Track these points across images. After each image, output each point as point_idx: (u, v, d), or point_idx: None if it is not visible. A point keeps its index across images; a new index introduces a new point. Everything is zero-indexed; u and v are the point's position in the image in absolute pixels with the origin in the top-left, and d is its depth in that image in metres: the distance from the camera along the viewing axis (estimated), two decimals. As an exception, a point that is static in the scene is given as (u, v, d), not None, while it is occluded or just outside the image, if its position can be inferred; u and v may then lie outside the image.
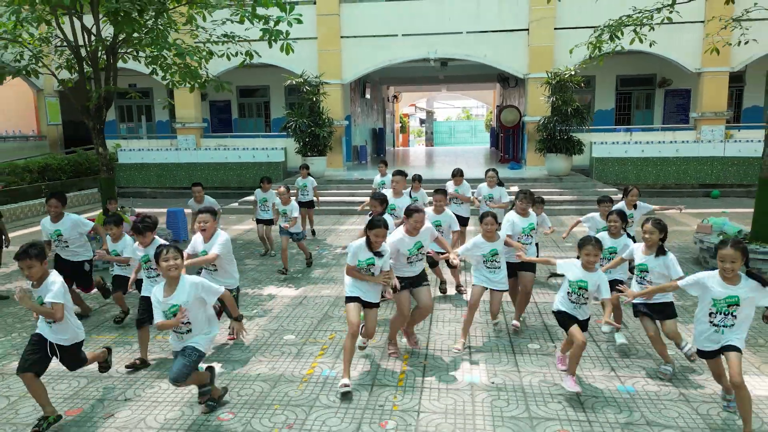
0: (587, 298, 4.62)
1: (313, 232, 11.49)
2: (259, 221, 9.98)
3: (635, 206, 7.62)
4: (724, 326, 4.02)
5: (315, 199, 11.21)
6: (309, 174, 11.26)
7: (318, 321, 6.43)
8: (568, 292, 4.66)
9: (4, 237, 7.58)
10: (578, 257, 4.72)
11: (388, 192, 7.45)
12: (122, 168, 18.47)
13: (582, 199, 14.06)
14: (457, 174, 8.71)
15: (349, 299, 4.96)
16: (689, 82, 17.67)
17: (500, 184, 8.88)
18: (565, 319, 4.68)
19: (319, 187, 12.12)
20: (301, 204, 10.76)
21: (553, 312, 4.85)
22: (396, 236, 5.11)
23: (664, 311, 4.89)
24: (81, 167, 16.92)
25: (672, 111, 18.82)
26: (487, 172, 8.72)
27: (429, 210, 6.52)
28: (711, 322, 4.05)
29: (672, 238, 10.41)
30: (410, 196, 8.58)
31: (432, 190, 6.96)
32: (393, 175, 7.65)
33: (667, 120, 18.74)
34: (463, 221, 8.42)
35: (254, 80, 19.75)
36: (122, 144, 19.04)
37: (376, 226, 4.84)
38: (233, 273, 5.59)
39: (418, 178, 9.01)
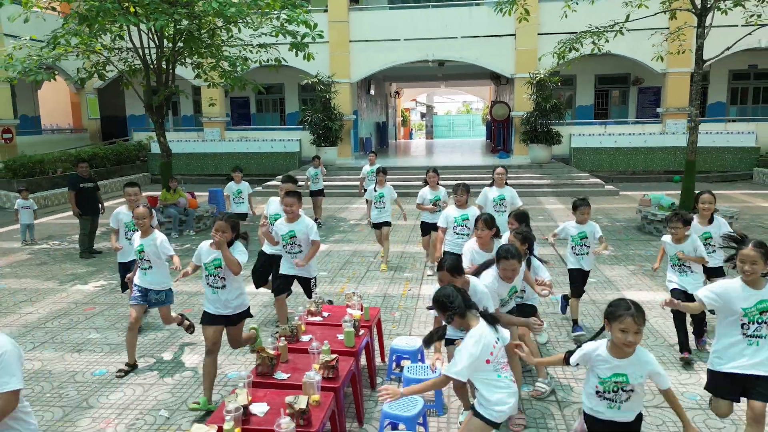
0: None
1: (319, 224, 11.42)
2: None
3: (711, 220, 5.46)
4: None
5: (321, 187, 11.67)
6: (320, 164, 11.95)
7: (341, 265, 8.76)
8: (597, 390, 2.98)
9: (101, 205, 9.89)
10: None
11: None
12: (153, 157, 20.73)
13: (558, 183, 16.36)
14: (432, 175, 7.79)
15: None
16: (659, 81, 19.87)
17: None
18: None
19: (331, 173, 14.12)
20: (312, 192, 11.66)
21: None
22: (488, 279, 4.03)
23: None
24: (121, 156, 19.22)
25: (644, 106, 21.06)
26: (495, 169, 7.28)
27: (281, 220, 5.61)
28: None
29: (619, 214, 12.77)
30: (375, 191, 8.51)
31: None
32: (282, 182, 6.76)
33: (640, 115, 20.98)
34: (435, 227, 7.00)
35: (271, 79, 21.87)
36: (153, 136, 21.29)
37: (503, 258, 3.78)
38: None
39: (382, 171, 8.53)
